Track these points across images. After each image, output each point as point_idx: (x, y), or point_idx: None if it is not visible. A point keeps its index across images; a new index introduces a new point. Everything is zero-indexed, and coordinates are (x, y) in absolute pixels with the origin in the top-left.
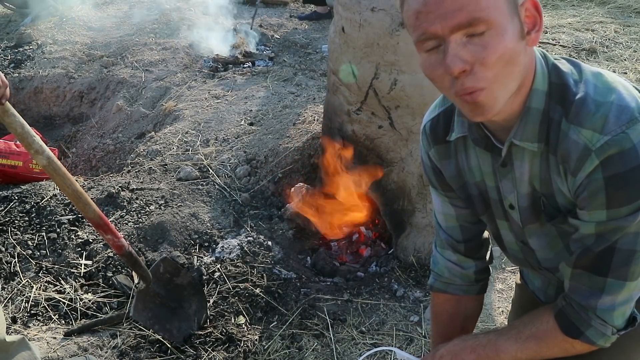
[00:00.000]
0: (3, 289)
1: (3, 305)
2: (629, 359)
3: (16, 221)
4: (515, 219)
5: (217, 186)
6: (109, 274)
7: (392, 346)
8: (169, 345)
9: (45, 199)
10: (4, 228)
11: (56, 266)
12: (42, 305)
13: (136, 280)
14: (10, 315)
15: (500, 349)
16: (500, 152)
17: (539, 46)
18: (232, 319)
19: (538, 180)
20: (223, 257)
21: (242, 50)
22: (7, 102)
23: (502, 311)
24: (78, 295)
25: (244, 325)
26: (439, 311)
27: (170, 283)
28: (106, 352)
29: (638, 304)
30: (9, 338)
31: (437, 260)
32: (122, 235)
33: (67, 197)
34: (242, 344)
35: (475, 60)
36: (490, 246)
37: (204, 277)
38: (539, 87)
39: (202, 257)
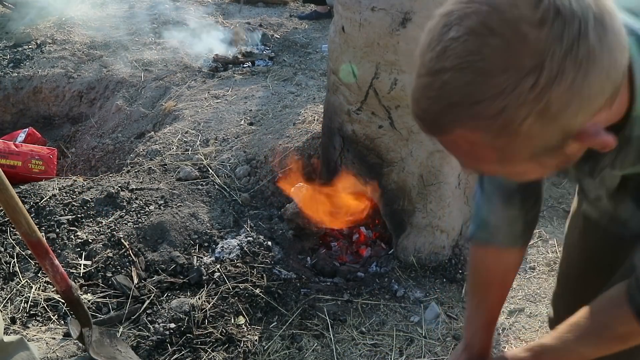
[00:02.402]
0: (2, 289)
1: (2, 305)
2: None
3: None
4: (602, 205)
5: (216, 186)
6: (109, 274)
7: (393, 347)
8: (169, 345)
9: (45, 199)
10: (4, 228)
11: None
12: (41, 306)
13: (77, 329)
14: (10, 316)
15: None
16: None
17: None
18: (232, 319)
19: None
20: (223, 257)
21: (240, 49)
22: None
23: (503, 311)
24: (79, 296)
25: (243, 326)
26: (478, 265)
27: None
28: None
29: None
30: (7, 338)
31: (481, 206)
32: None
33: (66, 197)
34: (242, 344)
35: None
36: (542, 196)
37: (204, 277)
38: (639, 112)
39: (201, 257)
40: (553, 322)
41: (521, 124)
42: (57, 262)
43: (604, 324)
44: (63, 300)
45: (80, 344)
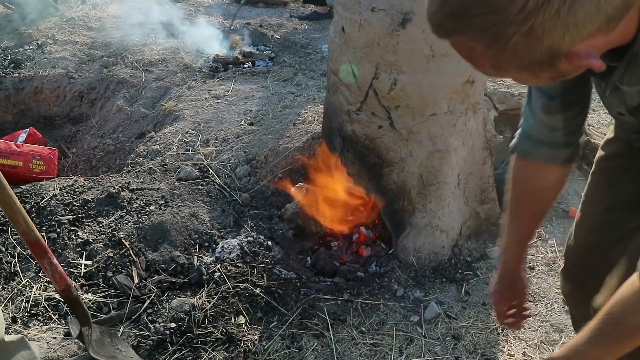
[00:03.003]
0: (3, 289)
1: (3, 305)
2: None
3: None
4: (625, 120)
5: (217, 186)
6: (109, 274)
7: (393, 347)
8: (169, 344)
9: (46, 199)
10: (4, 228)
11: None
12: (42, 305)
13: (77, 328)
14: (11, 315)
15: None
16: (601, 74)
17: None
18: (232, 319)
19: None
20: (223, 257)
21: (240, 50)
22: None
23: None
24: (78, 295)
25: (244, 325)
26: (517, 178)
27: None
28: None
29: None
30: (8, 338)
31: (526, 117)
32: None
33: (67, 197)
34: (242, 344)
35: None
36: (587, 116)
37: (204, 277)
38: None
39: (202, 257)
40: (571, 250)
41: (509, 40)
42: (55, 261)
43: (616, 321)
44: (62, 300)
45: (80, 344)
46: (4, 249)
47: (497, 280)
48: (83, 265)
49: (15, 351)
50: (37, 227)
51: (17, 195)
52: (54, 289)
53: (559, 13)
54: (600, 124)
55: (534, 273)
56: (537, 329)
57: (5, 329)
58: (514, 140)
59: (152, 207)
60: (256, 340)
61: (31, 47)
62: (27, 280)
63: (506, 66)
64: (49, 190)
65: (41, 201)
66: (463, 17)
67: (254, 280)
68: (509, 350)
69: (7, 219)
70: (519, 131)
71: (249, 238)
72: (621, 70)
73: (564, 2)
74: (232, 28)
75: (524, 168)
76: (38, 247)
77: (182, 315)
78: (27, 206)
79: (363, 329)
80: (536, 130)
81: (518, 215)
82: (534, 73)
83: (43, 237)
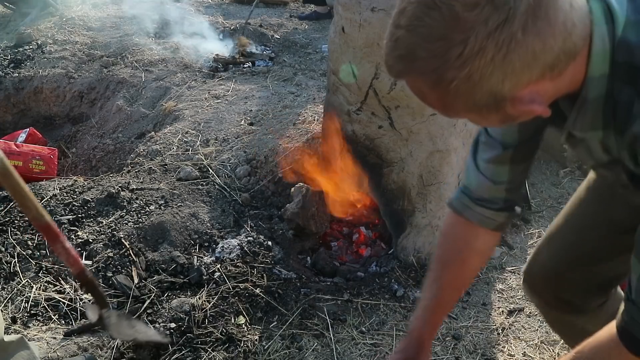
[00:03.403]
0: (3, 289)
1: (3, 305)
2: None
3: (16, 221)
4: (603, 172)
5: (217, 186)
6: (109, 274)
7: (393, 347)
8: (169, 345)
9: (45, 199)
10: (4, 228)
11: (56, 266)
12: (42, 305)
13: (95, 312)
14: (10, 315)
15: None
16: (558, 122)
17: None
18: (232, 319)
19: (615, 148)
20: (223, 257)
21: (240, 50)
22: None
23: (503, 311)
24: (78, 295)
25: (244, 325)
26: (446, 233)
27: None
28: (106, 352)
29: None
30: (7, 337)
31: (469, 171)
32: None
33: (67, 197)
34: (242, 344)
35: None
36: (527, 177)
37: (204, 277)
38: (595, 74)
39: (202, 257)
40: (525, 278)
41: (450, 83)
42: (68, 244)
43: None
44: (78, 282)
45: (80, 344)
46: (3, 249)
47: (399, 348)
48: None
49: (15, 351)
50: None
51: None
52: (53, 289)
53: (494, 60)
54: None
55: None
56: (537, 329)
57: (5, 329)
58: (451, 194)
59: (152, 207)
60: (256, 340)
61: (31, 47)
62: (27, 280)
63: (453, 107)
64: (49, 190)
65: (41, 201)
66: (409, 60)
67: (254, 280)
68: (509, 350)
69: (7, 219)
70: (459, 186)
71: (249, 238)
72: (573, 116)
73: (499, 50)
74: (245, 25)
75: (456, 225)
76: (50, 232)
77: (182, 315)
78: None
79: (363, 329)
80: (477, 186)
81: (441, 277)
82: (482, 115)
83: (43, 238)
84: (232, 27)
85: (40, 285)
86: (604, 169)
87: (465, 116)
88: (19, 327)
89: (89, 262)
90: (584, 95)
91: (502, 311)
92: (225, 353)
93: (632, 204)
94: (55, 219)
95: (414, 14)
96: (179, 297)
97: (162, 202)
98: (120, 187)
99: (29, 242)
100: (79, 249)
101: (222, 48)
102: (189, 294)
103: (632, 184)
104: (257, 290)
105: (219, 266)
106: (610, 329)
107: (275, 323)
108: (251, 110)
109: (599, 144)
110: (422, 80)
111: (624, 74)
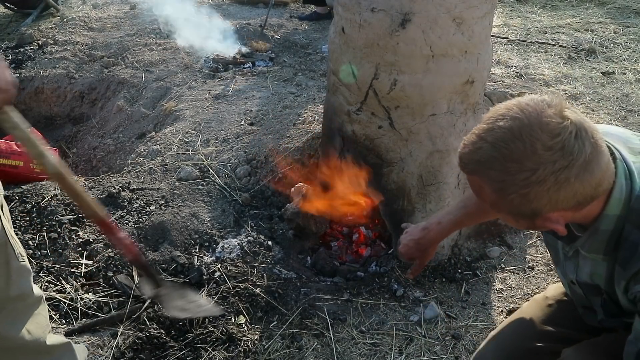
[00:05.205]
0: None
1: None
2: None
3: (17, 221)
4: (577, 291)
5: (217, 186)
6: (110, 273)
7: (393, 346)
8: (169, 344)
9: (46, 199)
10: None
11: (57, 266)
12: None
13: (149, 289)
14: None
15: None
16: (567, 239)
17: (540, 47)
18: (232, 318)
19: (601, 279)
20: (223, 257)
21: (240, 50)
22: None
23: (502, 311)
24: (79, 295)
25: (244, 325)
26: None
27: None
28: (106, 352)
29: None
30: (50, 339)
31: None
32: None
33: (67, 197)
34: (242, 344)
35: None
36: None
37: (205, 277)
38: (610, 213)
39: (202, 257)
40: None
41: (509, 195)
42: (122, 234)
43: None
44: (134, 267)
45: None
46: None
47: (415, 237)
48: (83, 265)
49: (60, 358)
50: (37, 227)
51: (18, 195)
52: (54, 289)
53: (549, 191)
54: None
55: (533, 273)
56: None
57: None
58: None
59: (152, 207)
60: (256, 340)
61: (32, 47)
62: None
63: (499, 207)
64: (50, 190)
65: (42, 201)
66: (485, 167)
67: (254, 280)
68: None
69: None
70: None
71: (249, 238)
72: (584, 238)
73: (554, 185)
74: (264, 28)
75: None
76: (105, 225)
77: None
78: (28, 206)
79: (363, 328)
80: None
81: (467, 207)
82: (517, 220)
83: (44, 237)
84: (264, 27)
85: (41, 285)
86: (581, 287)
87: (503, 215)
88: None
89: (90, 262)
90: (597, 225)
91: (502, 311)
92: (225, 352)
93: (585, 322)
94: (56, 218)
95: (502, 137)
96: None
97: (163, 202)
98: (120, 187)
99: (30, 242)
100: (80, 248)
101: (223, 48)
102: None
103: (603, 311)
104: (257, 290)
105: (219, 266)
106: None
107: (276, 323)
108: (251, 110)
109: (590, 268)
110: (488, 184)
111: (636, 219)
